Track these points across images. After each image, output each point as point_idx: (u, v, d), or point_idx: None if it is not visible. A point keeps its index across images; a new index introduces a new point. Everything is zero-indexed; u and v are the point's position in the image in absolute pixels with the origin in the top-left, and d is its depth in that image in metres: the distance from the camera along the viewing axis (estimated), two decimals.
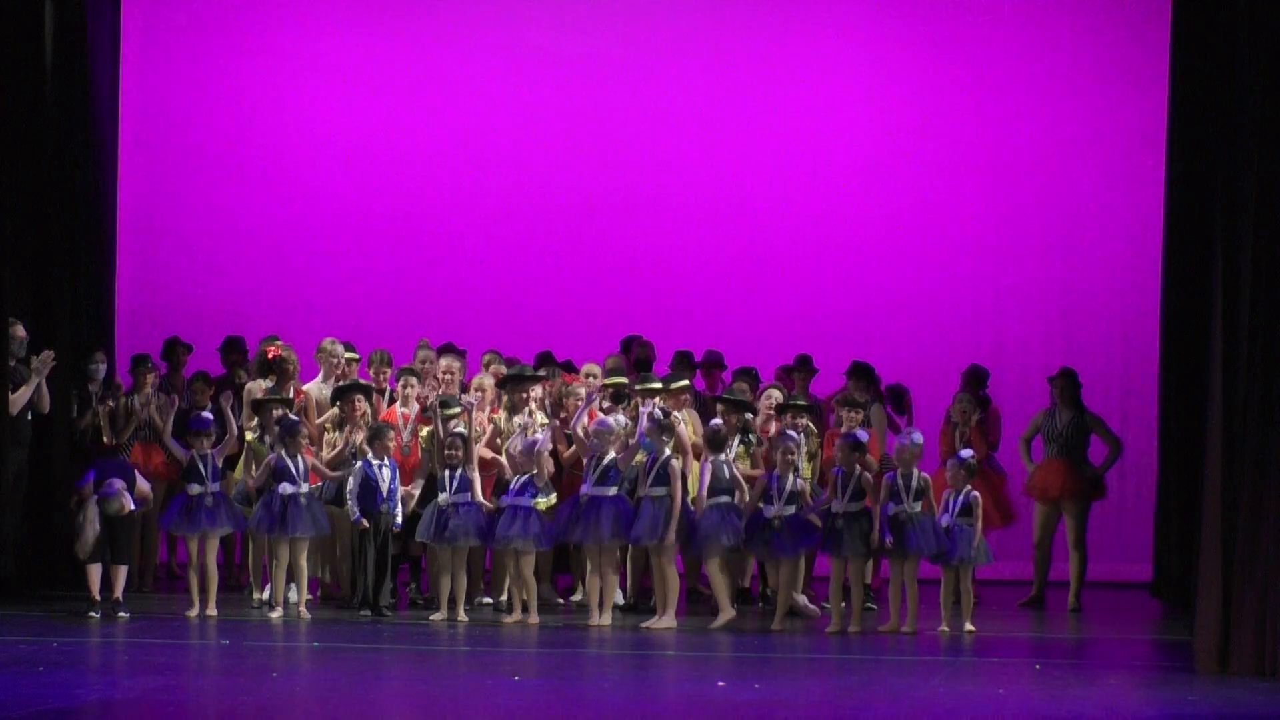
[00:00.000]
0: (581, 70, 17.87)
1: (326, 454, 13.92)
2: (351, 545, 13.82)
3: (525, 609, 13.34)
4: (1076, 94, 17.39)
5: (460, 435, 13.52)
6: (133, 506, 13.49)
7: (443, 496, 13.43)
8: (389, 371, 14.63)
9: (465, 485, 13.42)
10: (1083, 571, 14.77)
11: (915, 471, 13.09)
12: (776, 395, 14.29)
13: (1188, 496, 13.27)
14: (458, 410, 13.69)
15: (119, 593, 13.30)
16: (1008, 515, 14.75)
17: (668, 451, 13.16)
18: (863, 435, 13.29)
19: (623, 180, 17.81)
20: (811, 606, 13.75)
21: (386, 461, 13.53)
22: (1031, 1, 17.57)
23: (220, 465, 13.62)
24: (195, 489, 13.46)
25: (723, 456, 13.26)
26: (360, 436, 13.73)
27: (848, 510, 13.00)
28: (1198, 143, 14.00)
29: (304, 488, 13.42)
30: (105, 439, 14.75)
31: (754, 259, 17.68)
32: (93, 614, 13.12)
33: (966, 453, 13.32)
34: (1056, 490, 14.79)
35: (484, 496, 13.52)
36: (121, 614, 13.16)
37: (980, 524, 13.13)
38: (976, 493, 13.16)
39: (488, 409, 14.08)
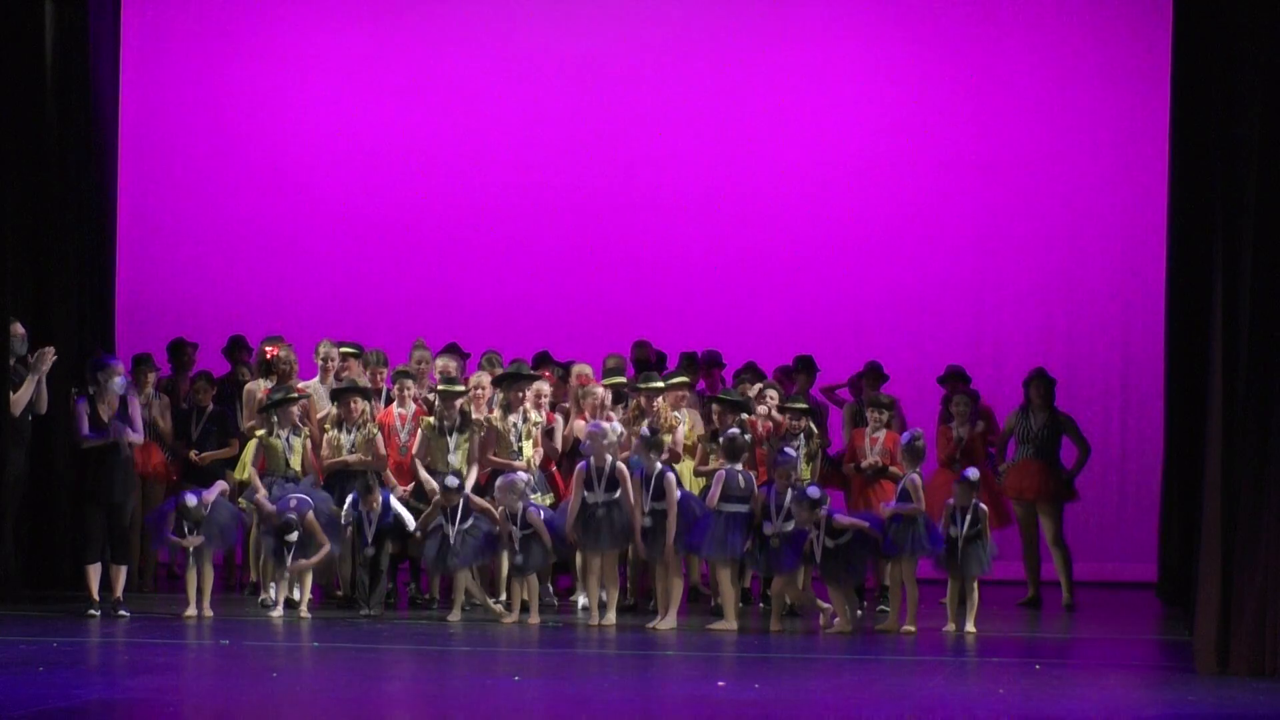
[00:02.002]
0: (581, 71, 17.87)
1: (326, 453, 13.93)
2: (351, 546, 13.83)
3: (525, 609, 13.35)
4: (1077, 93, 17.39)
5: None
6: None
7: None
8: (385, 372, 14.64)
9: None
10: (1069, 568, 14.74)
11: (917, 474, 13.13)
12: (773, 395, 14.27)
13: (1191, 496, 13.26)
14: (462, 390, 13.72)
15: (119, 593, 13.30)
16: (1004, 517, 14.72)
17: (659, 466, 13.14)
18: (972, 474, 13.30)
19: (623, 180, 17.81)
20: (819, 603, 13.69)
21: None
22: (1032, 1, 17.56)
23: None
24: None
25: (738, 465, 13.23)
26: (358, 436, 13.74)
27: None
28: (1199, 141, 13.99)
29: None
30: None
31: (755, 259, 17.68)
32: (93, 614, 13.11)
33: (972, 472, 13.29)
34: (1032, 492, 14.76)
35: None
36: (121, 614, 13.15)
37: (988, 532, 13.16)
38: (984, 505, 13.19)
39: (485, 408, 14.09)
